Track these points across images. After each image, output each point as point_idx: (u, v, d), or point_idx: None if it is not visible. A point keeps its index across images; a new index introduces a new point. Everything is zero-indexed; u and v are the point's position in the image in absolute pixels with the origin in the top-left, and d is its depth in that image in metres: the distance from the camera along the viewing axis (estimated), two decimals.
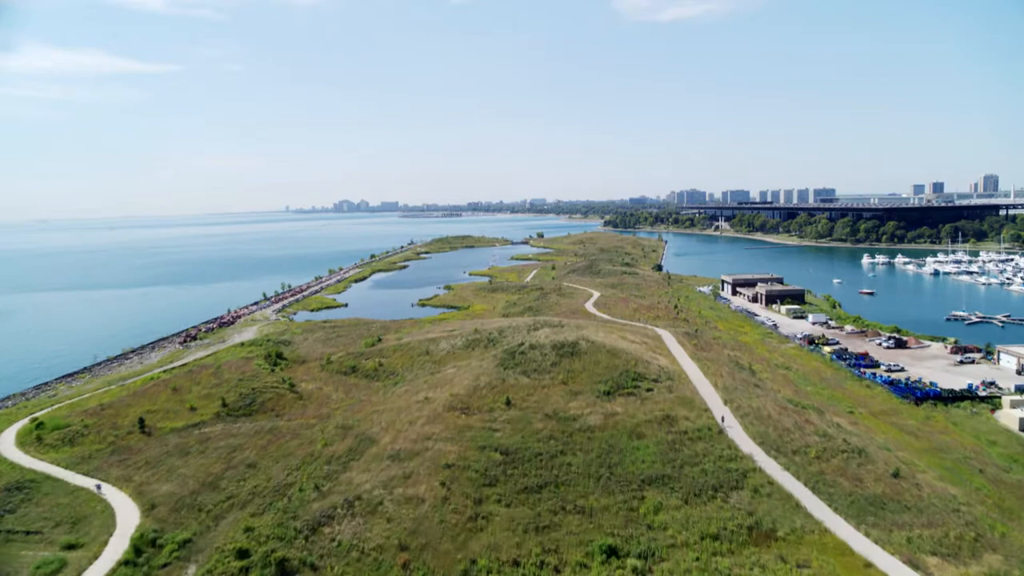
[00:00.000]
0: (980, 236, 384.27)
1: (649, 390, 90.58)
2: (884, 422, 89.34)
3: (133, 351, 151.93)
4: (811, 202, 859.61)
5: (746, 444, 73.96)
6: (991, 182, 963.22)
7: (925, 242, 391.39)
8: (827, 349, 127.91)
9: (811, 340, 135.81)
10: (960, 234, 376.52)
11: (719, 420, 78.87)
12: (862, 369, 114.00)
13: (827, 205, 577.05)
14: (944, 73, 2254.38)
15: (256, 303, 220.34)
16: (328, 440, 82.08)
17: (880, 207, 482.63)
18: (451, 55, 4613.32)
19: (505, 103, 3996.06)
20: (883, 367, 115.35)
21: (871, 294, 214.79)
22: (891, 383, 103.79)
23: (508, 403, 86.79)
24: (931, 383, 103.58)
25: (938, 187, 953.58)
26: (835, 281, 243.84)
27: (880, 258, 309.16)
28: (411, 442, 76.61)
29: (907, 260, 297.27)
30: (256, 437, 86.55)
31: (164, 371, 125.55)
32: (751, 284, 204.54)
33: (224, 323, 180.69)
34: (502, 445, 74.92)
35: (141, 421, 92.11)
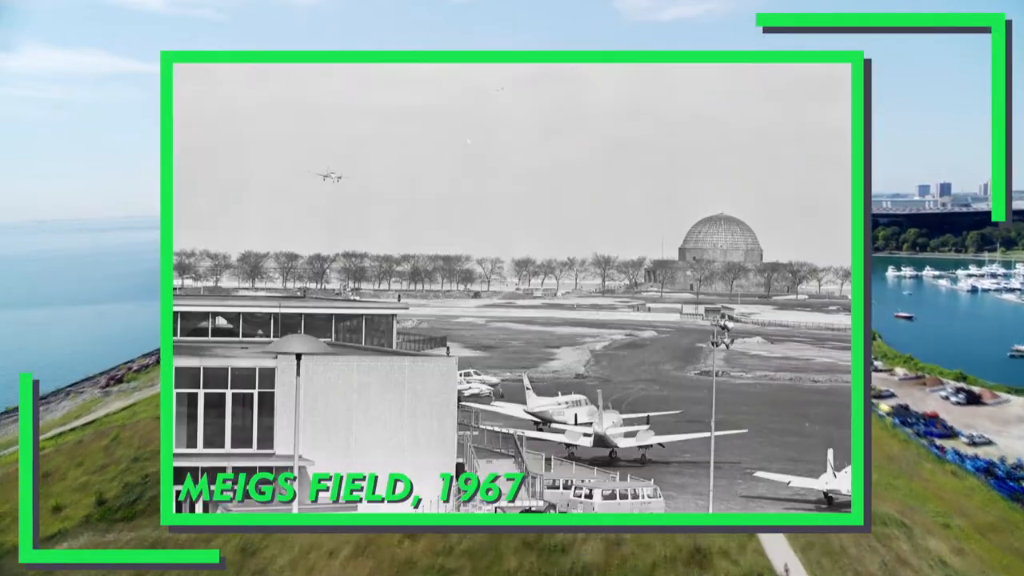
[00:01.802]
0: (1009, 244, 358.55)
1: None
2: (998, 546, 64.06)
3: (43, 399, 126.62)
4: None
5: None
6: None
7: (949, 251, 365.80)
8: (884, 408, 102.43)
9: None
10: (994, 242, 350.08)
11: (781, 569, 53.85)
12: (937, 442, 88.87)
13: None
14: (944, 73, 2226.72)
15: None
16: None
17: (898, 212, 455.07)
18: None
19: None
20: (963, 438, 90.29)
21: (909, 319, 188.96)
22: (986, 470, 78.66)
23: None
24: None
25: (945, 188, 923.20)
26: None
27: (906, 271, 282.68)
28: None
29: (938, 273, 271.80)
30: (113, 573, 61.57)
31: (56, 435, 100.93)
32: None
33: None
34: None
35: None
